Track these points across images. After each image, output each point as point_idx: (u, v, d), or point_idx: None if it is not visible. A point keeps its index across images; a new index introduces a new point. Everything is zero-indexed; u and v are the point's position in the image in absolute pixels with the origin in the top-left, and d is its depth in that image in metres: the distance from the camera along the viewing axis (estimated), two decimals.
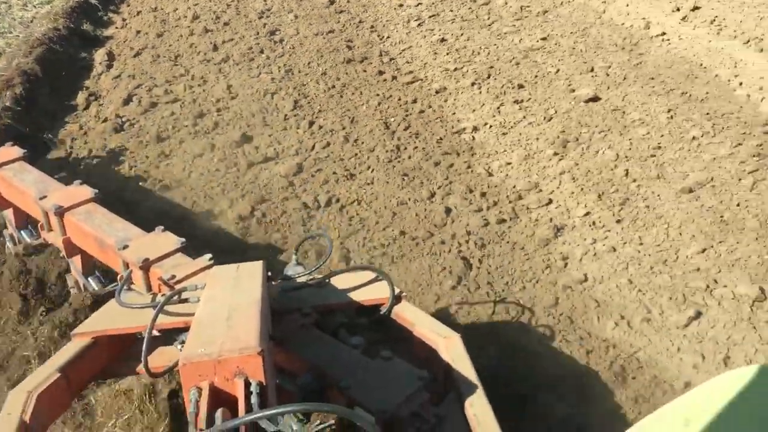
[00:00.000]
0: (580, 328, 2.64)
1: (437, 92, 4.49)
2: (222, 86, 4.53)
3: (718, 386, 0.95)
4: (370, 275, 1.89)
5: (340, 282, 1.89)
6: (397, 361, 1.65)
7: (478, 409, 1.49)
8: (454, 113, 4.25)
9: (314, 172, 3.62)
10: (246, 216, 3.28)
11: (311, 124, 4.09)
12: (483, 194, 3.42)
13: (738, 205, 3.23)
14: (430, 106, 4.31)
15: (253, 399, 1.23)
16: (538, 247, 3.05)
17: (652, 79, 4.49)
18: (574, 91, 4.38)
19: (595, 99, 4.25)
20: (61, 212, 2.36)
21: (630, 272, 2.88)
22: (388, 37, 5.50)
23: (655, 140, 3.80)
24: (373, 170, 3.63)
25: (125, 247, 2.11)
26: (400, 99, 4.39)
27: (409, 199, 3.39)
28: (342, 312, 1.88)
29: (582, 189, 3.43)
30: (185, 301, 1.72)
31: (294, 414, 1.34)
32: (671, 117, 4.01)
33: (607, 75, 4.59)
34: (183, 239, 2.14)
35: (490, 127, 4.06)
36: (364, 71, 4.77)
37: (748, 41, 4.94)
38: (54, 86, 4.62)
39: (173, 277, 1.95)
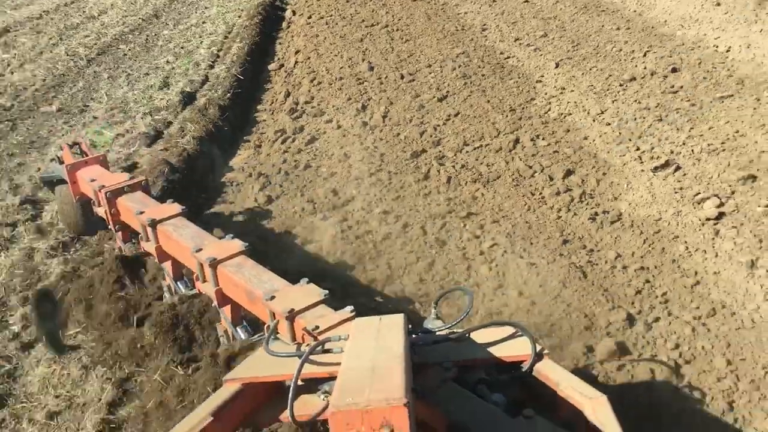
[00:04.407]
0: (478, 42, 9.53)
1: (455, 5, 11.70)
2: (367, 10, 12.01)
3: None
4: (509, 330, 2.24)
5: (479, 337, 2.24)
6: (540, 421, 1.92)
7: None
8: (458, 9, 11.40)
9: (393, 24, 10.81)
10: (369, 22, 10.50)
11: (393, 15, 11.38)
12: (458, 25, 10.48)
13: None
14: (448, 10, 11.50)
15: None
16: (477, 42, 10.02)
17: None
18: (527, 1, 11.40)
19: None
20: (214, 264, 3.08)
21: (508, 26, 9.79)
22: None
23: None
24: (417, 25, 10.78)
25: (272, 298, 2.69)
26: (434, 8, 11.61)
27: (431, 28, 10.48)
28: (481, 368, 2.20)
29: (501, 19, 10.40)
30: (328, 351, 2.15)
31: None
32: None
33: None
34: (326, 291, 2.69)
35: (475, 12, 11.17)
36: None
37: None
38: (270, 20, 12.31)
39: (317, 327, 2.43)
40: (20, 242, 5.23)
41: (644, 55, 8.08)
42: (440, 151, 6.22)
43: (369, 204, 5.36)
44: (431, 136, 6.58)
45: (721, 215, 4.71)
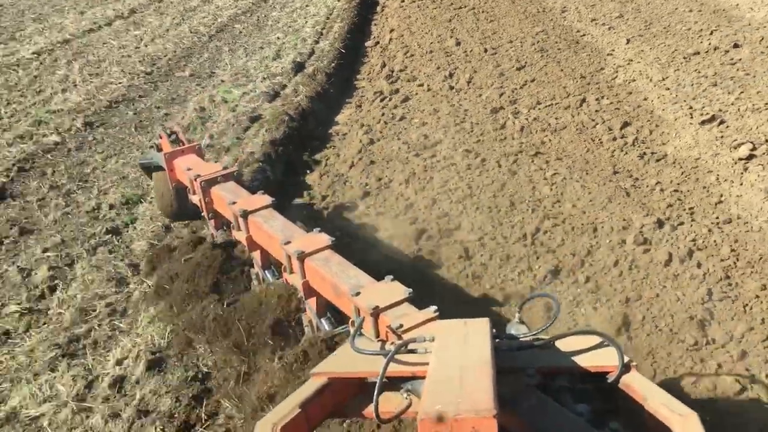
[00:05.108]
0: (557, 22, 10.60)
1: None
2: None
3: None
4: (596, 340, 2.22)
5: (564, 345, 2.24)
6: None
7: None
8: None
9: (479, 7, 12.00)
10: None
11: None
12: (539, 7, 11.56)
13: None
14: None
15: None
16: (555, 19, 11.10)
17: None
18: None
19: None
20: (302, 257, 3.22)
21: (586, 8, 10.81)
22: None
23: None
24: (501, 7, 11.93)
25: (358, 293, 2.79)
26: None
27: (514, 10, 11.61)
28: (565, 376, 2.21)
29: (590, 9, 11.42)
30: (413, 351, 2.22)
31: None
32: None
33: None
34: (410, 290, 2.76)
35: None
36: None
37: None
38: (366, 4, 13.70)
39: (401, 326, 2.50)
40: None
41: (710, 34, 8.96)
42: (516, 108, 7.40)
43: (454, 145, 6.61)
44: (509, 97, 7.76)
45: (752, 156, 5.70)
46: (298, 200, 5.94)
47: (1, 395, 3.86)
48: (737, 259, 4.44)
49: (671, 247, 4.58)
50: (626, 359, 2.09)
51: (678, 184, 5.50)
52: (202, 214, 4.63)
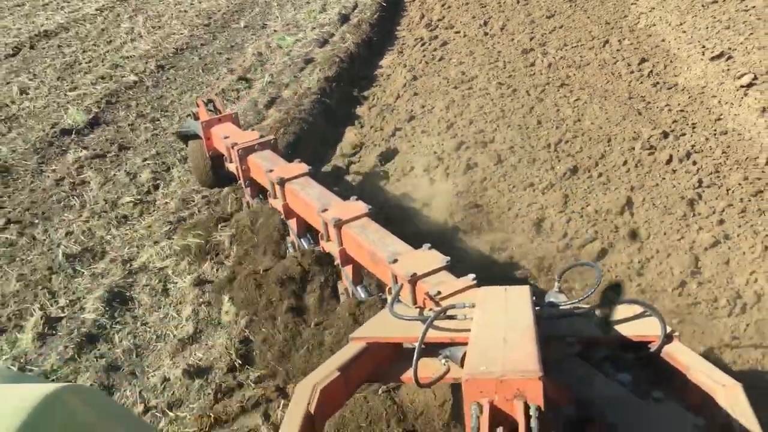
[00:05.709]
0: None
1: None
2: None
3: None
4: (637, 309, 2.22)
5: (605, 314, 2.24)
6: (670, 405, 1.93)
7: None
8: None
9: None
10: None
11: None
12: None
13: None
14: None
15: (533, 423, 1.58)
16: None
17: None
18: None
19: None
20: (339, 225, 3.27)
21: None
22: None
23: None
24: None
25: (395, 261, 2.84)
26: None
27: None
28: (605, 346, 2.22)
29: None
30: (452, 317, 2.24)
31: None
32: None
33: None
34: (448, 258, 2.79)
35: None
36: None
37: None
38: None
39: (439, 293, 2.53)
40: (246, 98, 7.87)
41: None
42: (545, 50, 8.32)
43: (488, 79, 7.57)
44: (538, 40, 8.68)
45: (752, 84, 6.57)
46: None
47: (132, 255, 5.00)
48: (727, 159, 5.38)
49: (672, 151, 5.53)
50: (668, 329, 2.11)
51: (684, 106, 6.43)
52: (239, 181, 4.82)
